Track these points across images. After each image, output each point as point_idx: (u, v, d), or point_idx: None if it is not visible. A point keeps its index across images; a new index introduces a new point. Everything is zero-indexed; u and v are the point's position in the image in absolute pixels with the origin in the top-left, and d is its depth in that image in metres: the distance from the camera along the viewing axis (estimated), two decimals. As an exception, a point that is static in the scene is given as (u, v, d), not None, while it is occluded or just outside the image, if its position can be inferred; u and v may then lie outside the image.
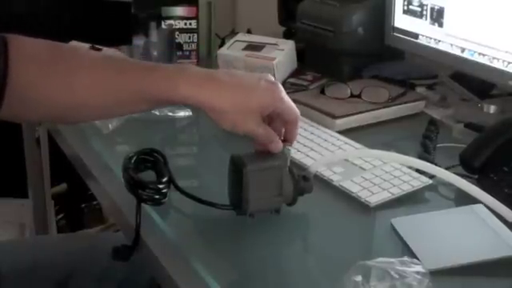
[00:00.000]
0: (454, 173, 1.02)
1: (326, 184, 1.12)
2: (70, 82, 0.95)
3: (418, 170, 1.12)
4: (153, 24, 1.74)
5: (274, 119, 1.01)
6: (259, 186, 0.97)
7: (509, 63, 1.30)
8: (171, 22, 1.77)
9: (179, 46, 1.77)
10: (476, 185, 1.01)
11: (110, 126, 1.34)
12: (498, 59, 1.32)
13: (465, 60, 1.40)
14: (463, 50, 1.40)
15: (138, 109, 1.01)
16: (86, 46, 1.54)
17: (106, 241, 1.29)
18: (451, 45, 1.43)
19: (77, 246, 1.37)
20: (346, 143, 1.26)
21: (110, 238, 1.49)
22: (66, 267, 1.27)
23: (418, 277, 0.78)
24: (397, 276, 0.77)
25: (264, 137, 0.99)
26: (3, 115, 0.94)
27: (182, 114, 1.42)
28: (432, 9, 1.47)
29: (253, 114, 0.97)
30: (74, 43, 1.54)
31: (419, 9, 1.50)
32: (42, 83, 0.94)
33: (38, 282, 1.25)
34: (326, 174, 1.13)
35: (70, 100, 0.96)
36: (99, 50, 1.54)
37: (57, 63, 0.96)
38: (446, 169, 1.06)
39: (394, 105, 1.43)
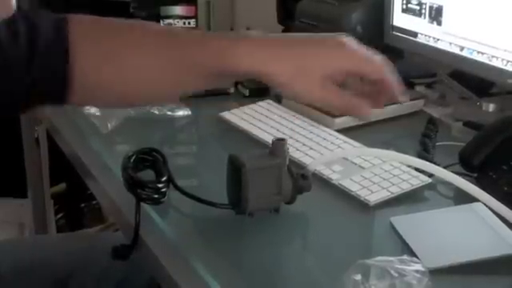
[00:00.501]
0: (453, 171, 1.02)
1: (325, 183, 1.12)
2: (125, 63, 0.90)
3: (417, 169, 1.12)
4: (152, 23, 1.74)
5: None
6: (258, 185, 0.97)
7: (508, 61, 1.30)
8: (170, 21, 1.77)
9: (178, 45, 1.77)
10: (475, 183, 1.01)
11: (108, 125, 1.34)
12: (497, 57, 1.32)
13: (464, 58, 1.40)
14: (462, 48, 1.40)
15: (201, 85, 0.96)
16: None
17: (106, 240, 1.29)
18: (450, 43, 1.43)
19: (76, 246, 1.36)
20: (344, 142, 1.25)
21: (109, 237, 1.49)
22: (66, 267, 1.27)
23: (418, 275, 0.78)
24: (396, 275, 0.77)
25: (341, 105, 0.91)
26: (73, 100, 0.90)
27: (181, 113, 1.42)
28: (431, 7, 1.47)
29: (320, 80, 0.88)
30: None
31: (418, 7, 1.50)
32: (101, 65, 0.90)
33: (37, 281, 1.25)
34: (325, 172, 1.13)
35: (127, 82, 0.91)
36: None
37: (112, 43, 0.91)
38: (445, 167, 1.06)
39: (393, 103, 1.43)
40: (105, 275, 1.26)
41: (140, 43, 0.91)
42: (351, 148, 1.24)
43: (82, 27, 0.90)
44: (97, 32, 0.91)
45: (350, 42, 0.89)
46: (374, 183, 1.10)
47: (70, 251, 1.33)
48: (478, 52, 1.36)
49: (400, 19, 1.57)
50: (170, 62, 0.90)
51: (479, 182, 1.07)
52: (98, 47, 0.90)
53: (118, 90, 0.92)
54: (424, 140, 1.27)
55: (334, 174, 1.13)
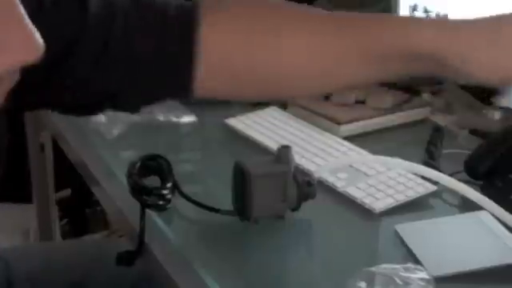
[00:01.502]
0: (459, 179, 1.02)
1: (331, 190, 1.12)
2: (276, 47, 0.82)
3: (422, 177, 1.12)
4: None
5: None
6: (263, 191, 0.97)
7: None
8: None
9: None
10: (480, 191, 1.01)
11: (114, 131, 1.34)
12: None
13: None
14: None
15: (363, 71, 0.82)
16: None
17: (113, 246, 1.29)
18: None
19: (84, 252, 1.36)
20: (350, 149, 1.25)
21: (116, 243, 1.48)
22: (74, 274, 1.27)
23: (423, 283, 0.78)
24: (401, 283, 0.77)
25: None
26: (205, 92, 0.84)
27: (187, 119, 1.42)
28: (437, 16, 1.47)
29: None
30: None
31: (424, 15, 1.50)
32: (241, 52, 0.82)
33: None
34: (331, 179, 1.13)
35: (277, 70, 0.83)
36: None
37: (259, 27, 0.83)
38: (451, 175, 1.05)
39: (399, 111, 1.43)
40: (113, 283, 1.25)
41: (291, 23, 0.83)
42: (357, 155, 1.24)
43: (219, 14, 0.84)
44: (237, 15, 0.84)
45: None
46: (380, 191, 1.10)
47: (78, 257, 1.33)
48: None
49: (406, 27, 1.57)
50: (332, 43, 0.80)
51: (485, 190, 1.07)
52: (238, 32, 0.83)
53: (264, 82, 0.84)
54: (430, 148, 1.27)
55: (339, 182, 1.13)
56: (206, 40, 0.82)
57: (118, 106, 0.88)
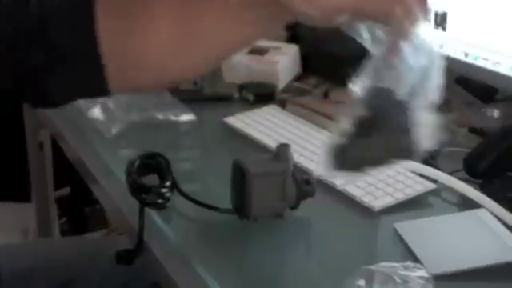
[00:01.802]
0: (458, 178, 1.02)
1: (330, 188, 1.12)
2: (149, 25, 0.78)
3: (421, 175, 1.12)
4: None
5: None
6: (262, 190, 0.97)
7: (512, 68, 1.29)
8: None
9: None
10: (479, 190, 1.01)
11: (112, 129, 1.34)
12: (502, 64, 1.31)
13: (468, 64, 1.40)
14: (467, 54, 1.40)
15: (229, 27, 0.78)
16: None
17: (109, 245, 1.29)
18: (455, 49, 1.43)
19: (79, 250, 1.36)
20: (349, 147, 1.25)
21: (112, 241, 1.48)
22: (68, 271, 1.27)
23: (422, 282, 0.78)
24: (400, 281, 0.77)
25: (373, 7, 0.74)
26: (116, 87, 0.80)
27: (185, 118, 1.42)
28: (435, 13, 1.47)
29: None
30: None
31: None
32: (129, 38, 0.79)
33: (38, 285, 1.25)
34: (329, 178, 1.13)
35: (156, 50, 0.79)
36: None
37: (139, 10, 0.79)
38: (450, 173, 1.06)
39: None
40: (107, 280, 1.26)
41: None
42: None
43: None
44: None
45: None
46: (379, 189, 1.10)
47: (72, 255, 1.33)
48: (483, 58, 1.36)
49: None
50: (183, 22, 0.78)
51: (484, 189, 1.07)
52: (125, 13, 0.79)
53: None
54: (428, 146, 1.27)
55: (338, 180, 1.13)
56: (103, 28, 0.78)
57: (37, 99, 0.83)
